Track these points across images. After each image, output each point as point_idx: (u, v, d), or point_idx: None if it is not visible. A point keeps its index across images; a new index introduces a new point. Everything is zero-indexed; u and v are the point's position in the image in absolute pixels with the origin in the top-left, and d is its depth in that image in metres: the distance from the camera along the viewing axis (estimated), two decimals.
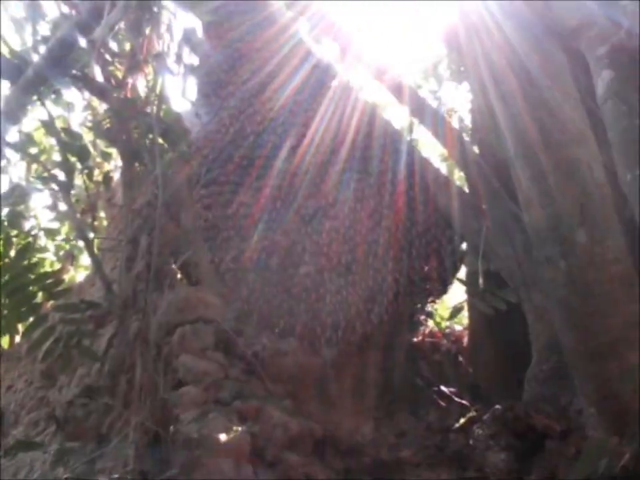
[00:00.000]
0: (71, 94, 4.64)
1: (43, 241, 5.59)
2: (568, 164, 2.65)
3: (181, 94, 4.20)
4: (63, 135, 4.34)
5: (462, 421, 4.25)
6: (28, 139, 4.59)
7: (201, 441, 3.62)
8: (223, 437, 3.59)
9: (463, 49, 3.01)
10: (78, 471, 3.80)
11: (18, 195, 4.52)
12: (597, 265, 2.60)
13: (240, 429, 3.56)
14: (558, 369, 3.09)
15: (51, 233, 5.73)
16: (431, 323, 5.00)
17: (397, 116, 4.49)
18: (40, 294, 4.08)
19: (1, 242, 3.96)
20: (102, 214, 5.46)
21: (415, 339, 4.92)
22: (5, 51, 4.32)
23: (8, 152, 4.57)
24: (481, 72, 2.93)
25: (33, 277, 4.09)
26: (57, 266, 5.59)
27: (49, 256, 5.76)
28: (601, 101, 2.14)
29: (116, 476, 3.33)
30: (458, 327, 5.28)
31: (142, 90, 4.57)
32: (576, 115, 2.71)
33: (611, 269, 2.59)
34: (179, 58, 4.47)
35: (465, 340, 4.96)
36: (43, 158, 4.98)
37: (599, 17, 2.45)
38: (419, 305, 3.67)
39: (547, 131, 2.67)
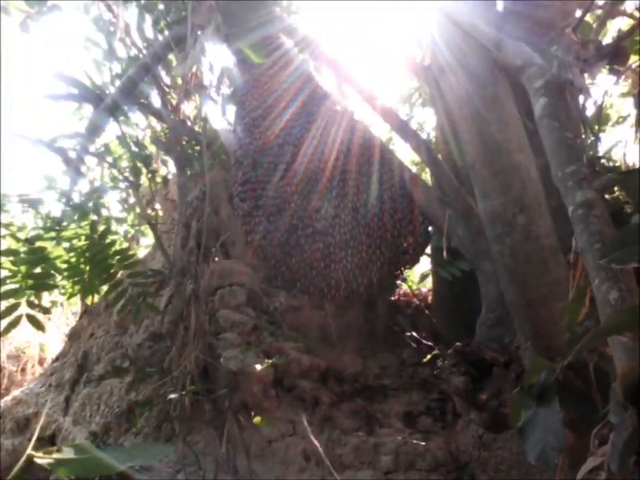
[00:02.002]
0: (137, 116, 4.60)
1: (114, 226, 5.58)
2: (512, 167, 2.70)
3: (220, 115, 4.21)
4: (132, 146, 4.37)
5: (428, 357, 4.31)
6: (106, 149, 4.59)
7: (237, 372, 3.67)
8: (253, 369, 3.63)
9: (432, 82, 3.03)
10: (145, 395, 3.84)
11: (98, 192, 4.53)
12: (532, 240, 2.65)
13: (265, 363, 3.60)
14: (501, 318, 3.10)
15: (119, 221, 5.72)
16: (404, 286, 5.03)
17: (381, 131, 4.53)
18: (116, 265, 4.11)
19: (89, 226, 3.95)
20: (158, 206, 5.45)
21: (393, 298, 4.96)
22: (89, 84, 4.31)
23: (89, 159, 4.55)
24: (446, 100, 2.96)
25: (110, 252, 4.10)
26: (125, 245, 5.58)
27: (119, 238, 5.74)
28: (538, 120, 2.16)
29: (174, 395, 3.36)
30: (424, 289, 5.29)
31: (190, 113, 4.57)
32: (518, 131, 2.77)
33: (542, 241, 2.64)
34: (218, 88, 4.46)
35: (430, 298, 4.97)
36: (117, 164, 4.97)
37: (537, 59, 2.49)
38: (399, 272, 3.66)
39: (497, 142, 2.72)
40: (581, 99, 2.30)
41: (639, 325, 1.09)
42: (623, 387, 1.12)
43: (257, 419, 3.23)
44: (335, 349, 4.30)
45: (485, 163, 2.75)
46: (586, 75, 2.31)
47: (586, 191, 1.75)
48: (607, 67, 2.26)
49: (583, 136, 2.43)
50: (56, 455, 0.94)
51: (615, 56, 2.14)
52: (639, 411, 1.10)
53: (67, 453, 0.96)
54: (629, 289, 1.35)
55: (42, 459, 0.94)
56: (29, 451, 0.99)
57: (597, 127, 2.91)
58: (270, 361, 3.29)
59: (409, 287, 5.00)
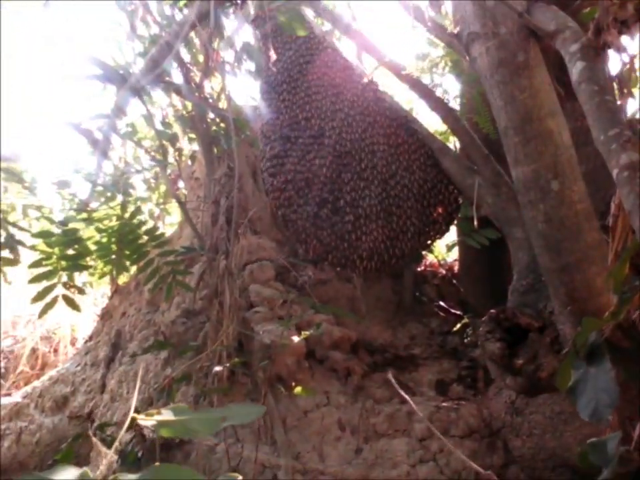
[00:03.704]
0: (161, 95, 4.62)
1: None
2: (545, 132, 2.71)
3: (244, 91, 4.23)
4: (158, 125, 4.41)
5: (458, 326, 4.36)
6: (133, 129, 4.63)
7: (271, 345, 3.75)
8: (286, 341, 3.70)
9: (461, 50, 3.03)
10: (181, 371, 3.92)
11: (126, 173, 4.59)
12: (566, 205, 2.67)
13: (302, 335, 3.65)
14: (533, 284, 3.14)
15: (144, 200, 5.79)
16: (430, 256, 5.08)
17: (406, 102, 4.52)
18: (146, 244, 4.17)
19: (120, 207, 4.02)
20: (181, 184, 5.51)
21: (420, 269, 5.00)
22: (113, 64, 4.34)
23: (115, 140, 4.59)
24: (477, 67, 2.96)
25: (141, 232, 4.17)
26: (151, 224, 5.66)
27: (144, 217, 5.80)
28: (575, 85, 2.17)
29: (219, 368, 3.44)
30: (450, 259, 5.33)
31: (213, 90, 4.59)
32: (550, 97, 2.77)
33: (576, 206, 2.66)
34: (239, 64, 4.48)
35: (456, 268, 5.01)
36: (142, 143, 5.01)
37: (571, 22, 2.48)
38: (430, 242, 3.70)
39: (529, 109, 2.73)
40: (620, 61, 2.30)
41: None
42: None
43: (298, 389, 3.32)
44: (364, 321, 4.35)
45: (517, 129, 2.76)
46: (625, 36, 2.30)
47: (630, 153, 1.77)
48: None
49: (623, 98, 2.42)
50: (158, 417, 1.00)
51: None
52: None
53: (167, 415, 1.02)
54: None
55: (145, 421, 1.00)
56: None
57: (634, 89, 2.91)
58: (307, 333, 3.33)
59: (435, 257, 5.05)
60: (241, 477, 1.00)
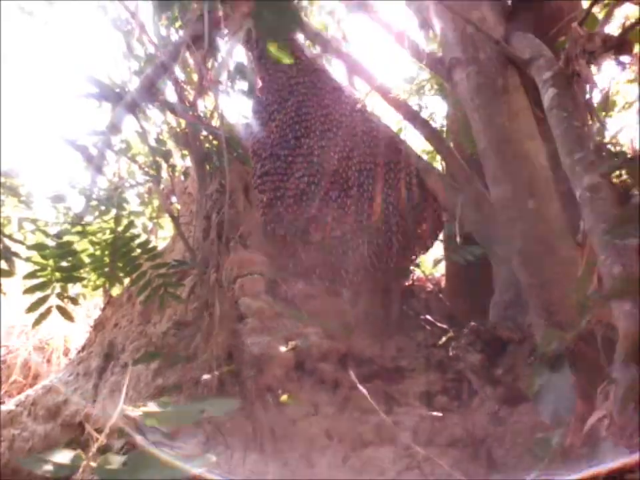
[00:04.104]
0: (155, 113, 4.73)
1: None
2: (522, 154, 2.86)
3: (236, 110, 4.36)
4: (152, 142, 4.52)
5: (443, 339, 4.46)
6: (127, 145, 4.75)
7: (261, 356, 3.84)
8: (276, 352, 3.79)
9: (444, 74, 3.18)
10: (172, 381, 4.00)
11: (120, 188, 4.70)
12: (542, 223, 2.81)
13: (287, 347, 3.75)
14: (513, 298, 3.26)
15: (137, 214, 5.88)
16: (418, 271, 5.19)
17: (395, 122, 4.66)
18: (139, 257, 4.27)
19: (114, 220, 4.11)
20: (174, 199, 5.60)
21: (407, 283, 5.11)
22: (109, 82, 4.46)
23: (110, 156, 4.69)
24: (458, 91, 3.11)
25: (134, 245, 4.27)
26: (144, 238, 5.75)
27: (137, 231, 5.89)
28: (547, 110, 2.31)
29: (207, 376, 3.53)
30: (437, 274, 5.43)
31: (207, 109, 4.72)
32: (528, 120, 2.92)
33: (552, 224, 2.81)
34: (232, 84, 4.61)
35: (443, 283, 5.12)
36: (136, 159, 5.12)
37: (545, 51, 2.64)
38: (413, 257, 3.82)
39: (507, 131, 2.88)
40: (588, 88, 2.43)
41: (638, 292, 1.25)
42: (625, 346, 1.29)
43: (284, 397, 3.41)
44: (352, 334, 4.44)
45: (496, 151, 2.91)
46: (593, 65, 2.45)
47: (592, 175, 1.90)
48: (613, 57, 2.39)
49: (590, 123, 2.56)
50: (144, 408, 1.12)
51: (620, 48, 2.28)
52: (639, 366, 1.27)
53: (153, 407, 1.14)
54: (631, 264, 1.52)
55: (133, 412, 1.12)
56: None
57: (604, 114, 3.06)
58: (294, 343, 3.44)
59: (423, 272, 5.16)
60: None
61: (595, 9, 2.58)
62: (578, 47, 2.30)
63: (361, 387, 2.87)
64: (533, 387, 1.78)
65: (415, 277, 5.13)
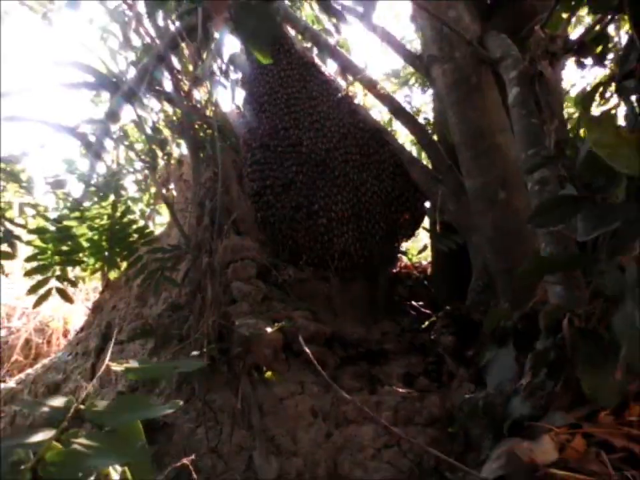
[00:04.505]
0: (152, 102, 4.91)
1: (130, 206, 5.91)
2: (494, 147, 3.05)
3: (229, 100, 4.53)
4: (148, 130, 4.71)
5: (426, 324, 4.67)
6: (124, 134, 4.94)
7: (250, 337, 4.05)
8: (264, 334, 4.00)
9: (423, 70, 3.36)
10: (166, 359, 4.20)
11: (117, 175, 4.89)
12: (512, 213, 3.00)
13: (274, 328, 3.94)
14: (488, 284, 3.45)
15: (135, 200, 6.08)
16: (405, 258, 5.38)
17: (380, 114, 4.85)
18: (136, 242, 4.47)
19: (111, 206, 4.32)
20: (172, 186, 5.80)
21: (394, 270, 5.31)
22: (106, 72, 4.64)
23: (108, 143, 4.88)
24: (437, 86, 3.30)
25: (131, 230, 4.47)
26: (142, 223, 5.94)
27: (135, 217, 6.08)
28: (510, 107, 2.50)
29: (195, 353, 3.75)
30: (425, 262, 5.62)
31: (202, 98, 4.89)
32: (499, 115, 3.11)
33: (521, 214, 2.99)
34: (226, 74, 4.79)
35: (429, 270, 5.31)
36: (133, 147, 5.32)
37: (514, 51, 2.81)
38: (396, 245, 4.01)
39: (479, 126, 3.07)
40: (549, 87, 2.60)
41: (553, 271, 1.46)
42: (545, 321, 1.49)
43: (268, 374, 3.63)
44: (339, 318, 4.65)
45: (469, 144, 3.10)
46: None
47: (543, 170, 2.10)
48: (574, 59, 2.57)
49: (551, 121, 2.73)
50: (126, 365, 1.33)
51: (580, 50, 2.46)
52: (555, 337, 1.47)
53: (134, 364, 1.34)
54: (563, 249, 1.71)
55: (116, 367, 1.33)
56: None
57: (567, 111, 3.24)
58: (279, 324, 3.65)
59: (409, 259, 5.35)
60: None
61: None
62: (540, 48, 2.48)
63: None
64: (482, 361, 1.98)
65: (402, 264, 5.33)
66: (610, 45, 2.33)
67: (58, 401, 1.23)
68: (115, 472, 1.26)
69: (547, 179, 2.04)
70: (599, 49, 2.23)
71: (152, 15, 4.21)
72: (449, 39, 3.09)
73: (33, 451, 1.14)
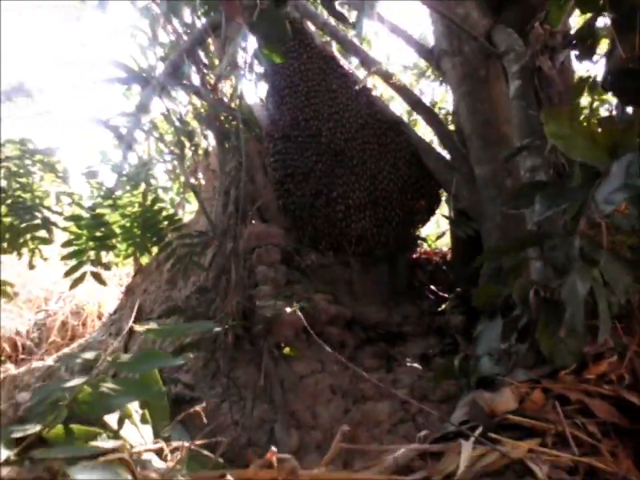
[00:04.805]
0: (180, 95, 5.19)
1: (161, 195, 6.22)
2: (501, 137, 3.23)
3: (254, 93, 4.78)
4: (176, 122, 4.99)
5: (442, 307, 4.87)
6: (153, 126, 5.24)
7: (272, 317, 4.31)
8: (285, 315, 4.25)
9: (434, 64, 3.55)
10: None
11: (148, 165, 5.19)
12: None
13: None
14: (499, 268, 3.64)
15: (166, 189, 6.40)
16: (425, 245, 5.58)
17: (401, 106, 5.02)
18: (165, 228, 4.77)
19: (142, 195, 4.62)
20: (200, 175, 6.09)
21: (415, 255, 5.51)
22: (136, 67, 4.93)
23: (139, 135, 5.18)
24: (448, 79, 3.49)
25: (160, 217, 4.77)
26: (172, 211, 6.24)
27: (165, 205, 6.39)
28: (511, 100, 2.69)
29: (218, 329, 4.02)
30: (445, 248, 5.80)
31: (227, 91, 5.16)
32: (506, 106, 3.28)
33: None
34: (251, 69, 5.03)
35: (449, 256, 5.49)
36: (163, 138, 5.61)
37: (519, 45, 2.99)
38: (412, 230, 4.22)
39: (488, 117, 3.26)
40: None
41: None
42: (518, 293, 1.70)
43: (286, 350, 3.89)
44: (360, 301, 4.88)
45: (479, 134, 3.28)
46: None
47: (534, 158, 2.29)
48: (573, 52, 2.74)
49: None
50: (147, 326, 1.60)
51: (575, 45, 2.63)
52: (525, 307, 1.68)
53: (154, 326, 1.62)
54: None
55: (139, 328, 1.60)
56: None
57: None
58: (297, 305, 3.90)
59: (429, 245, 5.55)
60: None
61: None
62: (539, 43, 2.66)
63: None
64: (476, 331, 2.21)
65: (422, 251, 5.54)
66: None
67: (89, 354, 1.50)
68: (136, 413, 1.54)
69: (537, 167, 2.24)
70: (588, 44, 2.39)
71: (173, 13, 4.47)
72: (458, 34, 3.28)
73: (69, 393, 1.43)
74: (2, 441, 1.22)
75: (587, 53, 2.37)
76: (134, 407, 1.59)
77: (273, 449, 1.38)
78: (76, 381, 1.47)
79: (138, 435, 1.55)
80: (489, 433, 1.42)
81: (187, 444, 1.57)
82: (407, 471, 1.36)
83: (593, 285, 1.44)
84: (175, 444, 1.58)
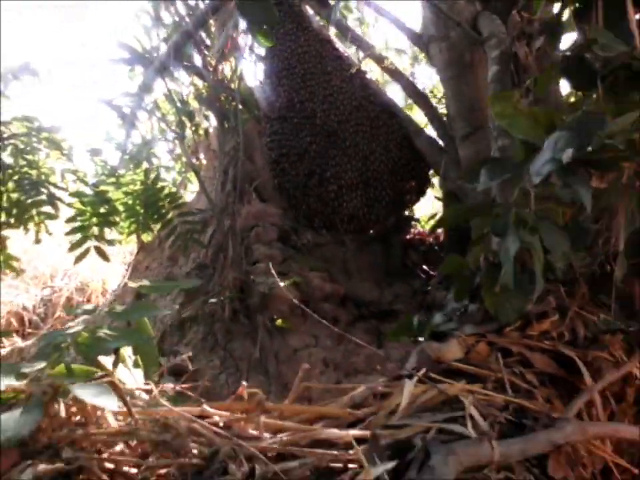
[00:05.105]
0: (182, 76, 5.39)
1: (163, 174, 6.46)
2: (483, 120, 3.41)
3: (253, 75, 4.97)
4: (178, 103, 5.20)
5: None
6: (155, 106, 5.44)
7: (268, 293, 4.54)
8: (280, 291, 4.48)
9: (423, 48, 3.73)
10: (192, 314, 4.73)
11: (149, 144, 5.41)
12: None
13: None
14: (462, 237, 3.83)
15: (168, 169, 6.63)
16: (419, 225, 5.78)
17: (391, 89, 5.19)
18: (167, 206, 5.00)
19: (143, 173, 4.85)
20: (202, 155, 6.30)
21: (408, 236, 5.72)
22: (139, 48, 5.13)
23: (141, 115, 5.39)
24: (435, 64, 3.67)
25: (162, 195, 5.00)
26: (174, 190, 6.47)
27: (168, 184, 6.62)
28: (489, 83, 2.87)
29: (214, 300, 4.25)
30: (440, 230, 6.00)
31: (228, 72, 5.35)
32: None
33: None
34: (251, 50, 5.22)
35: (442, 237, 5.69)
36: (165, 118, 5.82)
37: (501, 31, 3.16)
38: (402, 210, 4.43)
39: (471, 100, 3.44)
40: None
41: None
42: (471, 259, 1.91)
43: (279, 322, 4.13)
44: (354, 280, 5.10)
45: (462, 117, 3.47)
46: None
47: (504, 139, 2.49)
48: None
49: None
50: (140, 283, 1.82)
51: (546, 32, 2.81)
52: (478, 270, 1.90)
53: (145, 283, 1.84)
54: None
55: (132, 284, 1.83)
56: None
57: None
58: (291, 280, 4.13)
59: (422, 227, 5.76)
60: None
61: None
62: (516, 30, 2.84)
63: None
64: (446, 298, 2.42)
65: (415, 231, 5.74)
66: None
67: (88, 306, 1.73)
68: (129, 359, 1.77)
69: (507, 147, 2.43)
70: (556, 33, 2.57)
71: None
72: (445, 20, 3.45)
73: (70, 338, 1.66)
74: (12, 374, 1.45)
75: (554, 41, 2.55)
76: (127, 352, 1.83)
77: (244, 383, 1.61)
78: (76, 328, 1.70)
79: (130, 378, 1.78)
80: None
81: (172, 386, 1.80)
82: (360, 407, 1.59)
83: (532, 251, 1.65)
84: (163, 386, 1.82)
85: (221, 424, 1.45)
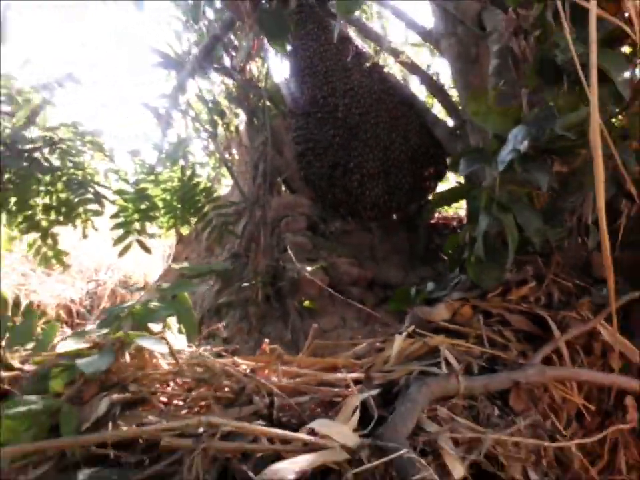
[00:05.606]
0: (213, 77, 5.82)
1: (198, 170, 6.90)
2: None
3: (279, 72, 5.34)
4: (209, 102, 5.63)
5: None
6: (188, 106, 5.89)
7: (297, 278, 4.93)
8: (310, 275, 4.87)
9: (433, 44, 4.06)
10: (227, 300, 5.17)
11: (185, 142, 5.86)
12: None
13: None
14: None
15: (202, 165, 7.08)
16: (443, 210, 6.11)
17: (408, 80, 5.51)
18: (202, 201, 5.44)
19: (180, 170, 5.29)
20: (234, 151, 6.72)
21: (433, 221, 6.05)
22: (171, 52, 5.57)
23: (176, 115, 5.83)
24: (446, 58, 3.99)
25: (197, 190, 5.43)
26: (209, 185, 6.91)
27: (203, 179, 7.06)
28: (489, 77, 3.19)
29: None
30: (462, 213, 6.31)
31: (256, 72, 5.75)
32: None
33: None
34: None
35: (465, 221, 5.99)
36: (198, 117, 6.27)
37: (502, 26, 3.46)
38: (423, 196, 4.77)
39: (480, 92, 3.75)
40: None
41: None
42: (461, 236, 2.27)
43: (306, 303, 4.52)
44: (380, 265, 5.46)
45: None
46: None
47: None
48: None
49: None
50: (181, 265, 2.24)
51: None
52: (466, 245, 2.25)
53: (185, 265, 2.25)
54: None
55: (175, 266, 2.25)
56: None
57: None
58: (319, 265, 4.51)
59: (446, 211, 6.08)
60: None
61: None
62: (511, 25, 3.14)
63: None
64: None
65: (440, 216, 6.06)
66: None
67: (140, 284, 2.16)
68: (174, 327, 2.20)
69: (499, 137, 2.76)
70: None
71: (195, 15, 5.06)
72: (453, 17, 3.77)
73: (127, 310, 2.09)
74: (82, 338, 1.89)
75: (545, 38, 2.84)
76: (172, 322, 2.26)
77: (266, 340, 2.02)
78: (131, 302, 2.13)
79: (176, 341, 2.21)
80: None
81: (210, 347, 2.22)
82: (362, 358, 1.97)
83: (506, 227, 1.99)
84: (202, 348, 2.25)
85: (248, 371, 1.86)
